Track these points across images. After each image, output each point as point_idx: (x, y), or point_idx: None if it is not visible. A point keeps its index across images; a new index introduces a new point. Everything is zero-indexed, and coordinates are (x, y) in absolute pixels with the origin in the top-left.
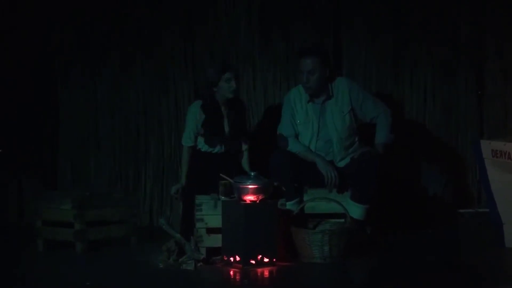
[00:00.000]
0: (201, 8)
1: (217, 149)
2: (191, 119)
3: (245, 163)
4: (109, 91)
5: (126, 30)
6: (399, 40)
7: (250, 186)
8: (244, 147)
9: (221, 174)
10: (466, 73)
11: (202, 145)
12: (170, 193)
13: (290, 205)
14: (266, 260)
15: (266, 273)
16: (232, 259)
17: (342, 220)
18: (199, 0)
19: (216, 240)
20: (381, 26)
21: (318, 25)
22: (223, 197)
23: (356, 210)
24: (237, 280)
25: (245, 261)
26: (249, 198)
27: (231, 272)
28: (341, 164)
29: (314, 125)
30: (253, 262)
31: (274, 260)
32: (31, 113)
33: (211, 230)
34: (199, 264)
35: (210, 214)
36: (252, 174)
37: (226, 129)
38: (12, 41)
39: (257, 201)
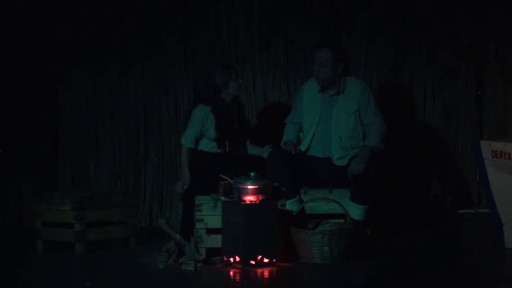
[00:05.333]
0: (201, 11)
1: (227, 149)
2: (197, 123)
3: (252, 149)
4: (109, 92)
5: (127, 32)
6: (399, 42)
7: (249, 187)
8: (247, 142)
9: (221, 175)
10: (466, 75)
11: (204, 146)
12: (175, 189)
13: (289, 203)
14: (266, 260)
15: (266, 274)
16: (232, 259)
17: (342, 220)
18: (200, 2)
19: (216, 241)
20: (381, 28)
21: (318, 27)
22: (223, 198)
23: (355, 211)
24: (237, 280)
25: (245, 261)
26: (249, 198)
27: (231, 273)
28: (339, 162)
29: (316, 115)
30: (253, 262)
31: (274, 260)
32: (31, 114)
33: (211, 231)
34: (199, 265)
35: (210, 214)
36: (252, 174)
37: (235, 127)
38: (13, 42)
39: (257, 202)
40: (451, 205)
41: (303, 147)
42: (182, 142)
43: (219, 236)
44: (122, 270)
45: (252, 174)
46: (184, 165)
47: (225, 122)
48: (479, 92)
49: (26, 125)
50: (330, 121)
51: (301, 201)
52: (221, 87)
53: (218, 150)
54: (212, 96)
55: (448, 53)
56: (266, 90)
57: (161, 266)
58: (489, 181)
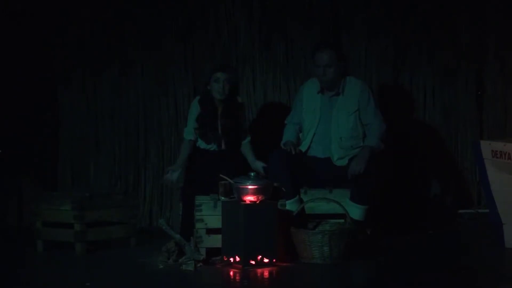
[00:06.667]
0: (201, 11)
1: (212, 146)
2: (193, 113)
3: (248, 153)
4: (109, 92)
5: (127, 32)
6: (399, 42)
7: (249, 187)
8: (247, 139)
9: (221, 175)
10: (466, 74)
11: (201, 143)
12: (165, 177)
13: (289, 203)
14: (266, 260)
15: (266, 274)
16: (232, 259)
17: (342, 220)
18: (200, 2)
19: (216, 241)
20: (381, 28)
21: (318, 27)
22: (223, 198)
23: (355, 211)
24: (237, 280)
25: (245, 261)
26: (249, 198)
27: (231, 273)
28: (339, 163)
29: (316, 116)
30: (253, 262)
31: (274, 260)
32: (31, 114)
33: (211, 231)
34: (199, 265)
35: (209, 214)
36: (252, 174)
37: (220, 127)
38: (13, 42)
39: (257, 202)
40: (451, 205)
41: (303, 148)
42: (184, 136)
43: (219, 236)
44: (122, 270)
45: (252, 174)
46: (179, 157)
47: (207, 116)
48: (479, 92)
49: (26, 125)
50: (330, 121)
51: (301, 201)
52: (205, 83)
53: (208, 147)
54: (202, 88)
55: (448, 53)
56: (266, 90)
57: (161, 266)
58: (489, 181)
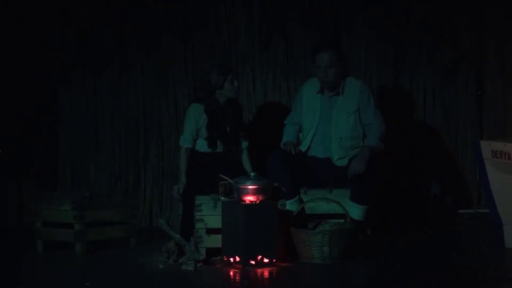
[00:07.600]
0: (201, 11)
1: (218, 149)
2: (191, 121)
3: (246, 162)
4: (109, 92)
5: (127, 32)
6: (399, 42)
7: (249, 187)
8: (244, 144)
9: (220, 175)
10: (466, 74)
11: (200, 147)
12: (172, 193)
13: (289, 203)
14: (266, 260)
15: (266, 274)
16: (232, 259)
17: (342, 220)
18: (200, 2)
19: (216, 241)
20: (381, 28)
21: (318, 27)
22: (222, 198)
23: (355, 211)
24: (237, 280)
25: (245, 261)
26: (249, 198)
27: (231, 273)
28: (339, 163)
29: (316, 116)
30: (253, 262)
31: (274, 260)
32: (31, 114)
33: (211, 231)
34: (199, 265)
35: (209, 214)
36: (252, 174)
37: (228, 129)
38: (13, 42)
39: (257, 202)
40: (451, 205)
41: (303, 148)
42: (180, 143)
43: (219, 236)
44: (122, 270)
45: (252, 174)
46: (181, 169)
47: (217, 122)
48: (479, 92)
49: (26, 125)
50: (330, 121)
51: (301, 201)
52: (216, 88)
53: (209, 150)
54: (206, 95)
55: (448, 53)
56: (266, 90)
57: (161, 266)
58: (489, 181)
